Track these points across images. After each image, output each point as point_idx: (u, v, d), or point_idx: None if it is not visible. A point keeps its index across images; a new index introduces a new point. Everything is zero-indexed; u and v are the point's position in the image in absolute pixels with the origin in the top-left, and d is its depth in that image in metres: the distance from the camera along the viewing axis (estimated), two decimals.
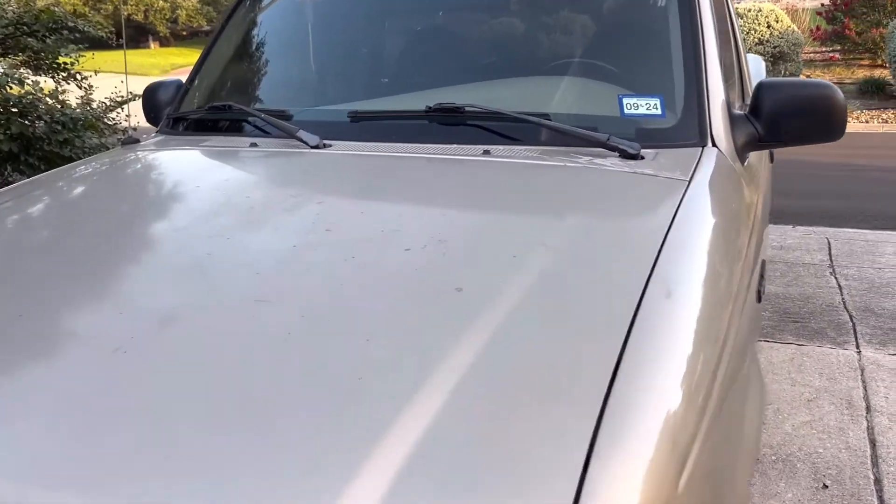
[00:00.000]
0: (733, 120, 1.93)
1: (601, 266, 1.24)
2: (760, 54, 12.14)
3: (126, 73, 2.29)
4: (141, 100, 2.59)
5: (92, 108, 4.12)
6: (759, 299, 1.83)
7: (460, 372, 0.97)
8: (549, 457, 0.85)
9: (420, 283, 1.18)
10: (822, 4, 18.08)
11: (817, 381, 3.13)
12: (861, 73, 16.83)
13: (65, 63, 4.18)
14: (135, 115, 4.37)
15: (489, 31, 2.14)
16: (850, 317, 3.88)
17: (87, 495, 0.84)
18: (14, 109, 3.88)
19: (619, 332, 1.04)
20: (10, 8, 4.20)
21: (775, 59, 15.98)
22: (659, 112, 1.86)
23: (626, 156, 1.71)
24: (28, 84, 4.04)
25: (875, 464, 2.52)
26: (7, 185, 1.81)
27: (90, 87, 4.29)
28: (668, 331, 1.09)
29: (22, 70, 4.22)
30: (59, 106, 3.90)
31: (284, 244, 1.33)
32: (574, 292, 1.16)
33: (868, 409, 2.88)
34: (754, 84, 2.06)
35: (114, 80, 5.38)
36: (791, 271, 4.81)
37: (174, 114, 2.31)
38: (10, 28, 4.07)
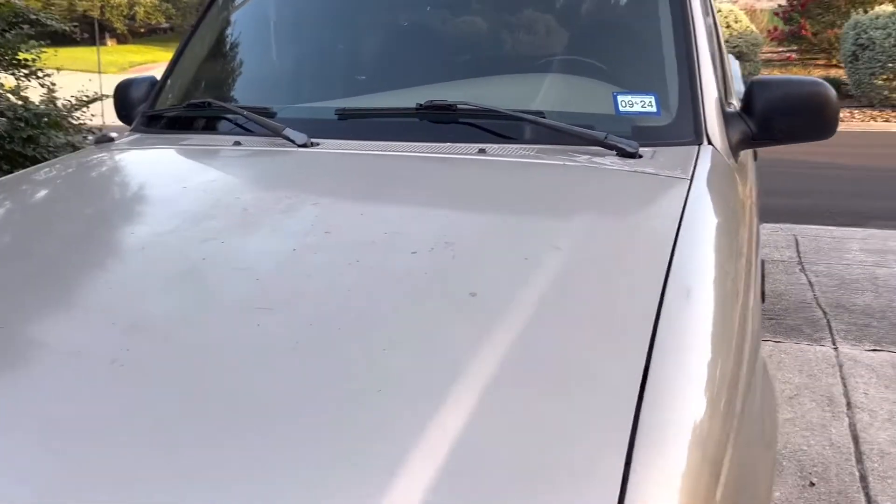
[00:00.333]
0: (726, 118, 1.91)
1: (615, 268, 1.21)
2: None
3: (99, 72, 2.19)
4: (112, 97, 2.50)
5: (56, 107, 3.97)
6: (762, 299, 1.82)
7: (485, 381, 0.93)
8: (587, 466, 0.81)
9: (432, 288, 1.13)
10: (780, 5, 18.42)
11: (797, 377, 3.15)
12: (817, 73, 17.15)
13: (25, 59, 4.02)
14: (99, 114, 4.25)
15: (479, 27, 2.09)
16: (824, 313, 3.92)
17: None
18: None
19: (643, 337, 1.01)
20: None
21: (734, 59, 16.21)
22: (654, 109, 1.84)
23: (623, 154, 1.67)
24: None
25: (860, 460, 2.53)
26: None
27: (52, 84, 4.14)
28: (690, 333, 1.07)
29: None
30: (20, 103, 3.74)
31: (283, 248, 1.27)
32: (591, 295, 1.12)
33: (849, 405, 2.90)
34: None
35: (78, 78, 5.23)
36: None
37: (149, 111, 2.22)
38: None
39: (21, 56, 3.92)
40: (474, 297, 1.10)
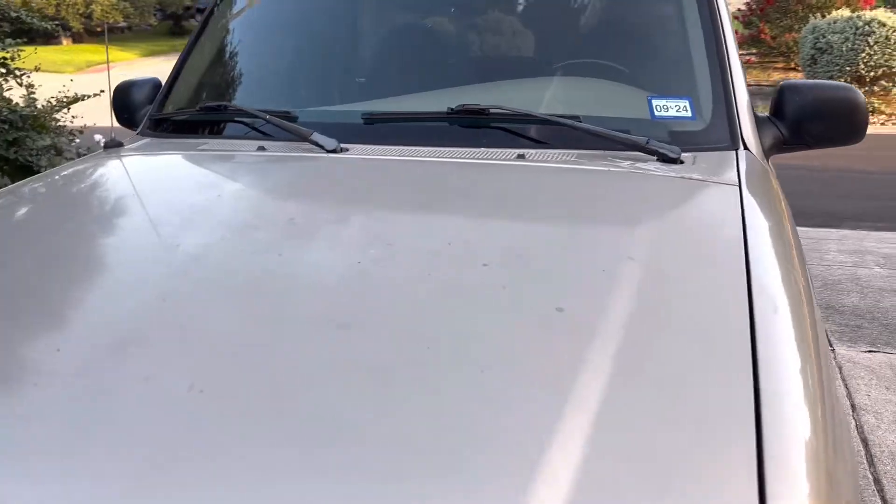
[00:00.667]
0: (758, 122, 1.90)
1: (695, 279, 1.17)
2: None
3: (108, 70, 2.08)
4: (111, 99, 2.39)
5: (37, 107, 3.80)
6: None
7: (596, 403, 0.88)
8: (722, 488, 0.78)
9: (515, 304, 1.08)
10: (739, 9, 18.72)
11: None
12: (777, 76, 17.47)
13: (4, 58, 3.84)
14: (81, 115, 4.10)
15: (507, 29, 2.05)
16: None
17: None
18: None
19: (744, 353, 0.98)
20: None
21: None
22: (689, 114, 1.81)
23: (665, 160, 1.64)
24: None
25: (871, 463, 2.54)
26: None
27: (31, 85, 3.96)
28: (786, 346, 1.04)
29: None
30: (4, 104, 3.57)
31: (346, 261, 1.20)
32: (680, 310, 1.09)
33: (853, 407, 2.92)
34: None
35: (56, 78, 5.05)
36: None
37: (157, 114, 2.13)
38: None
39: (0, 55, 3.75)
40: (562, 312, 1.05)
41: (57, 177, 1.77)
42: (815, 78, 14.69)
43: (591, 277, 1.15)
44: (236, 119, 1.94)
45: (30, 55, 3.95)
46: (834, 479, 0.87)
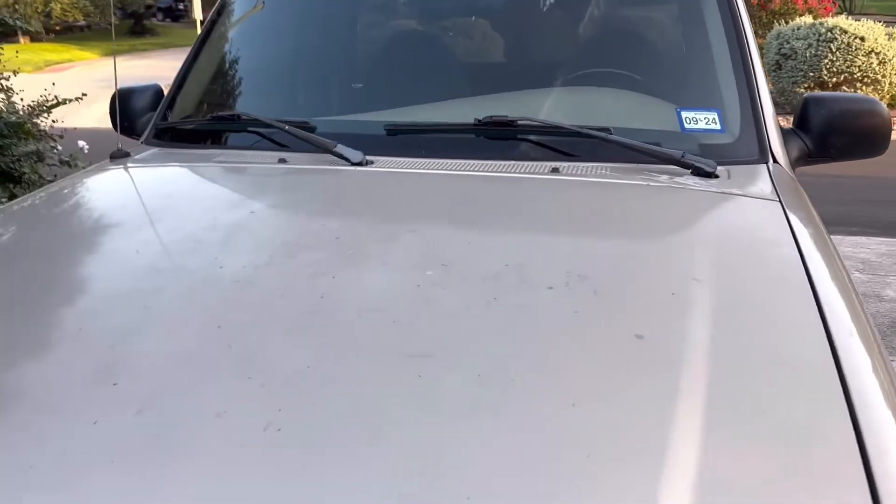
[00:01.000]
0: (784, 134, 1.89)
1: (766, 302, 1.15)
2: None
3: (115, 75, 1.99)
4: (108, 105, 2.30)
5: (19, 113, 3.65)
6: None
7: (698, 436, 0.85)
8: None
9: (591, 331, 1.04)
10: None
11: None
12: None
13: None
14: (61, 119, 3.95)
15: (532, 39, 2.01)
16: None
17: None
18: None
19: (833, 381, 0.96)
20: None
21: None
22: (718, 127, 1.79)
23: (700, 174, 1.62)
24: None
25: None
26: None
27: (10, 89, 3.81)
28: (869, 373, 1.02)
29: None
30: None
31: (405, 284, 1.15)
32: (759, 335, 1.06)
33: None
34: None
35: (33, 80, 4.87)
36: None
37: (163, 123, 2.04)
38: None
39: None
40: (642, 339, 1.01)
41: (70, 190, 1.68)
42: (781, 83, 14.94)
43: (661, 301, 1.11)
44: (251, 129, 1.87)
45: (10, 57, 3.80)
46: None
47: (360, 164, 1.67)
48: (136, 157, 1.91)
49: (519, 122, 1.72)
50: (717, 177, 1.61)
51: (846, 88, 13.75)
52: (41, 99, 3.89)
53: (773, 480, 0.81)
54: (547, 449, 0.83)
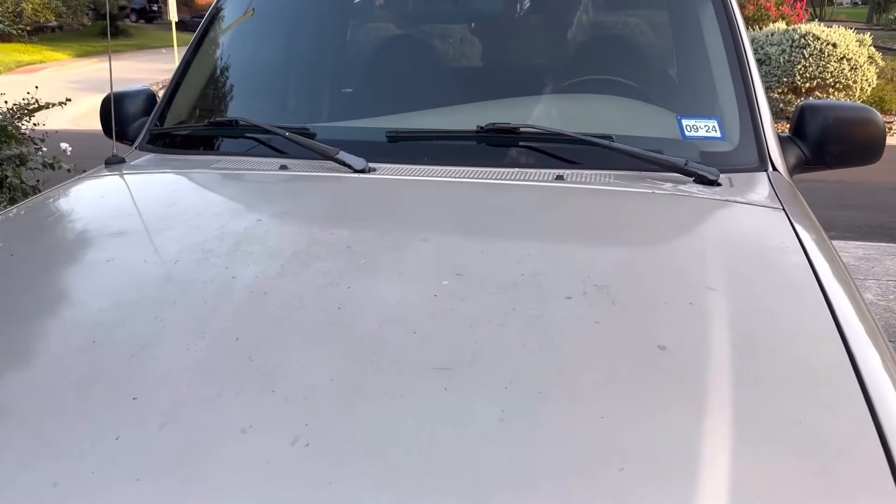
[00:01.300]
0: (781, 142, 1.90)
1: (781, 311, 1.16)
2: None
3: (111, 79, 1.92)
4: (99, 110, 2.26)
5: (7, 116, 3.58)
6: None
7: (728, 449, 0.85)
8: None
9: (614, 342, 1.04)
10: None
11: None
12: None
13: None
14: (42, 122, 3.88)
15: (532, 46, 2.01)
16: None
17: None
18: None
19: (853, 389, 0.96)
20: None
21: None
22: (718, 134, 1.80)
23: (704, 181, 1.62)
24: None
25: None
26: None
27: None
28: (884, 376, 1.03)
29: None
30: None
31: (422, 294, 1.14)
32: (779, 344, 1.07)
33: None
34: None
35: (4, 81, 4.77)
36: None
37: (158, 128, 2.01)
38: None
39: None
40: (664, 350, 1.01)
41: (70, 197, 1.65)
42: None
43: (679, 311, 1.12)
44: (250, 136, 1.85)
45: None
46: None
47: (362, 171, 1.65)
48: (132, 163, 1.88)
49: (521, 130, 1.72)
50: (719, 185, 1.62)
51: (819, 94, 13.94)
52: (23, 101, 3.83)
53: (805, 490, 0.81)
54: (580, 463, 0.83)
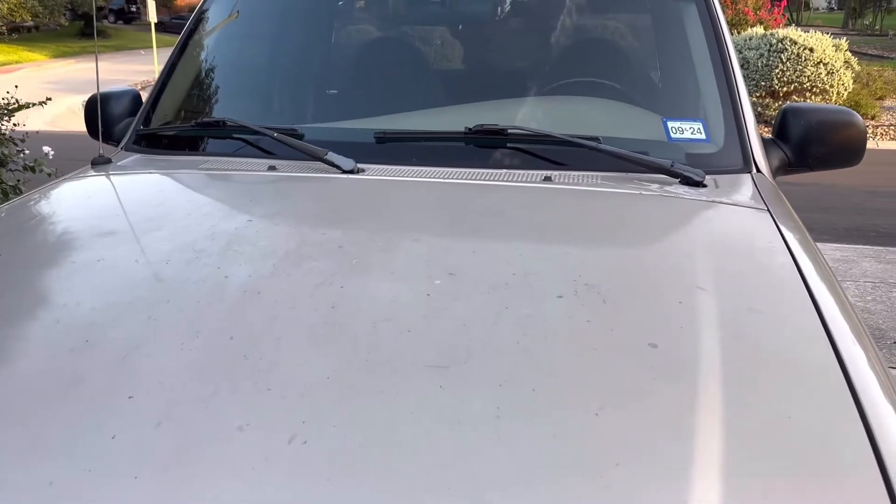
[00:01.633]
0: (765, 144, 1.93)
1: (769, 309, 1.17)
2: None
3: (97, 79, 1.90)
4: (80, 110, 2.25)
5: None
6: None
7: (719, 444, 0.87)
8: None
9: (606, 340, 1.05)
10: None
11: None
12: None
13: None
14: (22, 122, 3.84)
15: (519, 50, 2.02)
16: None
17: None
18: None
19: (840, 385, 0.98)
20: None
21: None
22: (703, 136, 1.82)
23: (689, 183, 1.64)
24: None
25: None
26: None
27: None
28: (872, 377, 1.05)
29: None
30: None
31: (415, 293, 1.15)
32: (768, 343, 1.09)
33: None
34: None
35: None
36: None
37: (144, 129, 2.00)
38: None
39: None
40: (656, 348, 1.02)
41: (56, 198, 1.64)
42: None
43: (669, 310, 1.13)
44: (237, 136, 1.84)
45: None
46: None
47: (351, 171, 1.66)
48: (119, 163, 1.87)
49: (509, 131, 1.73)
50: (705, 186, 1.64)
51: (796, 98, 14.10)
52: (3, 101, 3.79)
53: (795, 485, 0.83)
54: (576, 459, 0.84)
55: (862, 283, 4.99)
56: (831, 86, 12.95)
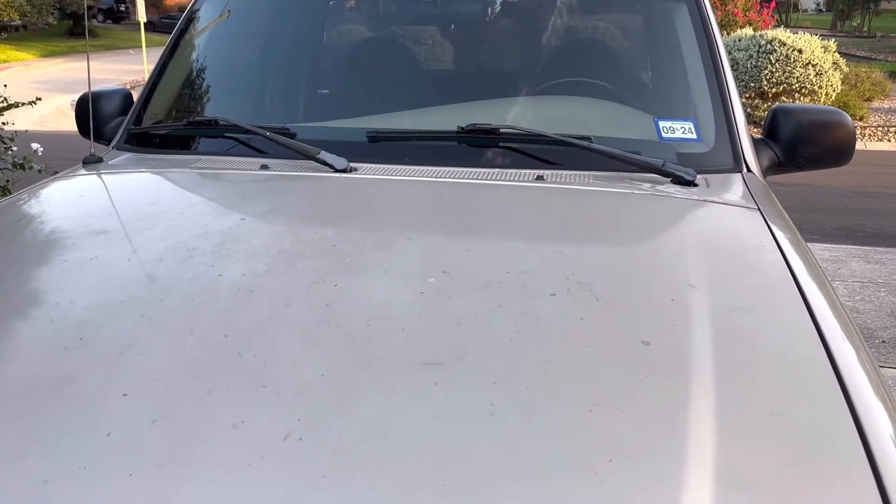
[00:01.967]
0: (755, 144, 1.94)
1: (760, 308, 1.19)
2: None
3: (89, 77, 1.89)
4: (69, 109, 2.24)
5: None
6: None
7: (712, 440, 0.87)
8: None
9: (599, 337, 1.06)
10: None
11: None
12: None
13: None
14: (11, 121, 3.82)
15: (511, 47, 2.03)
16: None
17: None
18: None
19: (831, 384, 0.99)
20: None
21: None
22: (694, 136, 1.83)
23: (681, 182, 1.65)
24: None
25: None
26: None
27: None
28: (862, 374, 1.06)
29: None
30: None
31: (409, 291, 1.15)
32: (759, 341, 1.10)
33: None
34: None
35: None
36: None
37: (136, 128, 2.00)
38: None
39: None
40: (648, 346, 1.03)
41: (47, 196, 1.63)
42: None
43: (662, 307, 1.14)
44: (229, 135, 1.84)
45: None
46: None
47: (344, 170, 1.66)
48: (111, 162, 1.86)
49: (502, 130, 1.74)
50: (696, 185, 1.65)
51: (785, 98, 14.18)
52: None
53: (787, 479, 0.83)
54: (569, 454, 0.84)
55: (850, 282, 5.02)
56: (820, 87, 13.02)
